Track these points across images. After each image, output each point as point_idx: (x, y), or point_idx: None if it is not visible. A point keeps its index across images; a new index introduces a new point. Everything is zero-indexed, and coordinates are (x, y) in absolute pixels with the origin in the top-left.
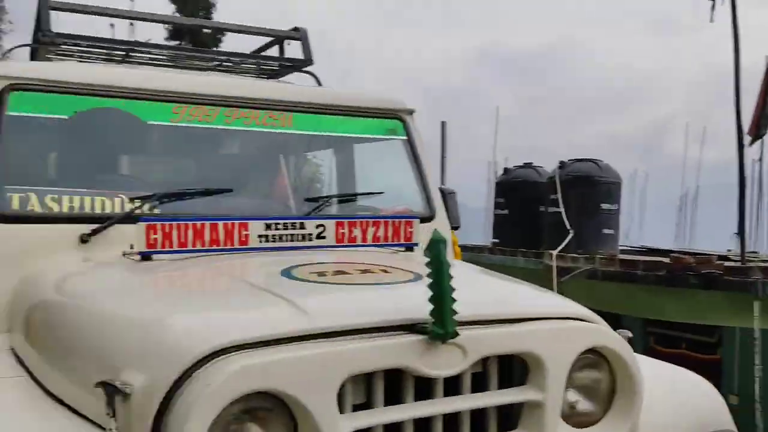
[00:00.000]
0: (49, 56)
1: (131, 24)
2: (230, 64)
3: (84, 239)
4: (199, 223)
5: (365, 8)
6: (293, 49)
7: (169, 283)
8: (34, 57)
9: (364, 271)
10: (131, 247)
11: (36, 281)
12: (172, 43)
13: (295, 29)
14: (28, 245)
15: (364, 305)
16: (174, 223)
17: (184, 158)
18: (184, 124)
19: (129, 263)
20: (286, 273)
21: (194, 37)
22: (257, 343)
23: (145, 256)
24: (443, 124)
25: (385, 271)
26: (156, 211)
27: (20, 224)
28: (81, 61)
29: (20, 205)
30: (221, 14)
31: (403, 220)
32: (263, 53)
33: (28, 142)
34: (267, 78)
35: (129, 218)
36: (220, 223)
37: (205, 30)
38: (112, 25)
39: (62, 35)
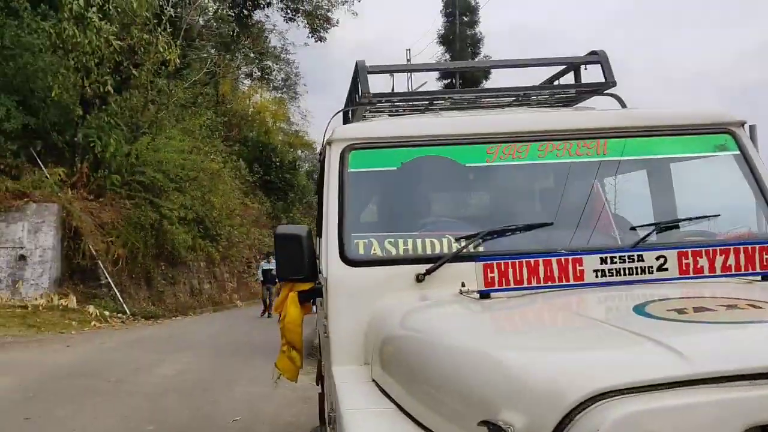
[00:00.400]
0: (364, 114)
1: (409, 75)
2: (527, 97)
3: (420, 278)
4: (533, 260)
5: (632, 17)
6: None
7: (522, 322)
8: (350, 115)
9: (730, 307)
10: (462, 285)
11: (386, 318)
12: (444, 82)
13: (593, 53)
14: (373, 285)
15: (747, 346)
16: (509, 261)
17: (502, 196)
18: (498, 163)
19: (469, 301)
20: (639, 310)
21: (463, 75)
22: (636, 388)
23: (484, 294)
24: (752, 128)
25: (755, 306)
26: (480, 249)
27: (366, 267)
28: (391, 115)
29: (364, 251)
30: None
31: (758, 245)
32: (555, 82)
33: (366, 194)
34: (562, 106)
35: (457, 257)
36: (554, 260)
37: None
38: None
39: (378, 95)
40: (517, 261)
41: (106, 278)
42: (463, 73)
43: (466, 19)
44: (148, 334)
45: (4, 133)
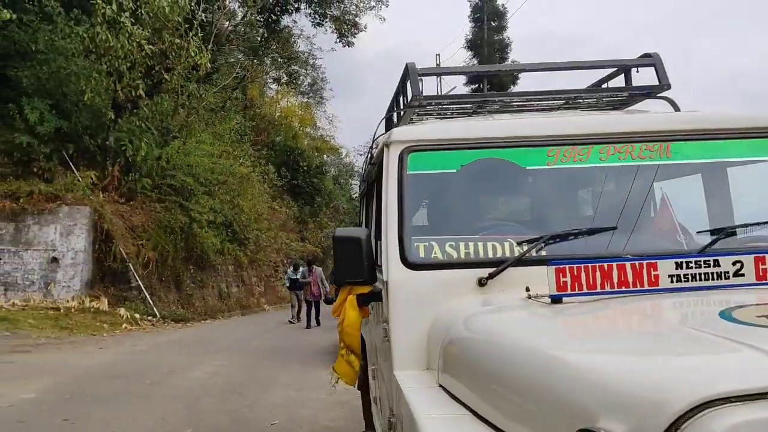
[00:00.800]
0: (411, 117)
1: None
2: (577, 100)
3: (482, 282)
4: (606, 264)
5: (661, 26)
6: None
7: (607, 327)
8: (394, 118)
9: None
10: (527, 290)
11: (450, 322)
12: (471, 87)
13: (646, 55)
14: (434, 289)
15: None
16: (582, 265)
17: (563, 200)
18: (559, 166)
19: (540, 306)
20: (726, 316)
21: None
22: (742, 396)
23: (555, 299)
24: None
25: None
26: (543, 253)
27: (427, 270)
28: (438, 118)
29: (425, 254)
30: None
31: None
32: (604, 85)
33: (426, 196)
34: (611, 109)
35: (520, 261)
36: (628, 264)
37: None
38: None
39: (429, 97)
40: (590, 265)
41: (137, 281)
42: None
43: (494, 24)
44: (178, 337)
45: (38, 136)
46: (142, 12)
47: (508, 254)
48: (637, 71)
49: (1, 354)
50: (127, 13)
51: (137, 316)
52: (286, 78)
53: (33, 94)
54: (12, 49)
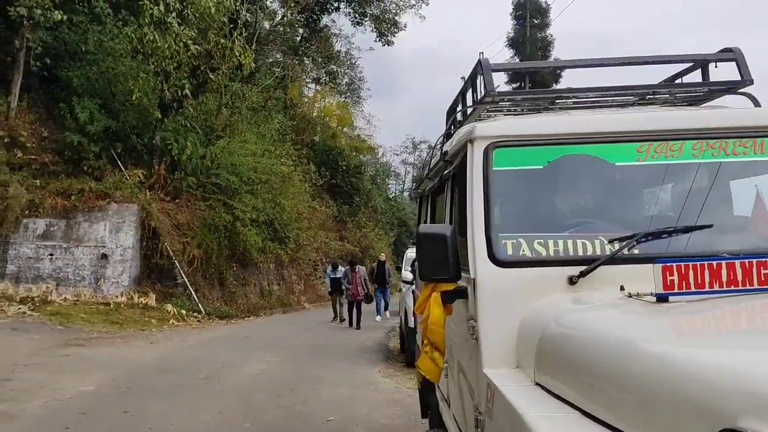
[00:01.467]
0: (480, 114)
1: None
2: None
3: (573, 281)
4: (715, 262)
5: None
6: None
7: (730, 326)
8: (464, 116)
9: None
10: (621, 288)
11: (544, 320)
12: (513, 85)
13: (727, 50)
14: (523, 287)
15: None
16: (690, 263)
17: (653, 197)
18: (651, 162)
19: (645, 304)
20: None
21: (533, 78)
22: None
23: (661, 298)
24: None
25: None
26: (635, 251)
27: (514, 268)
28: (507, 114)
29: (513, 251)
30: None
31: None
32: (678, 80)
33: (511, 193)
34: (687, 105)
35: (611, 260)
36: (737, 262)
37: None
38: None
39: (502, 93)
40: (698, 263)
41: (182, 278)
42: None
43: (536, 21)
44: (224, 333)
45: (87, 135)
46: (189, 12)
47: (599, 252)
48: (716, 66)
49: (57, 347)
50: (174, 14)
51: (183, 312)
52: (326, 77)
53: (83, 94)
54: (63, 50)
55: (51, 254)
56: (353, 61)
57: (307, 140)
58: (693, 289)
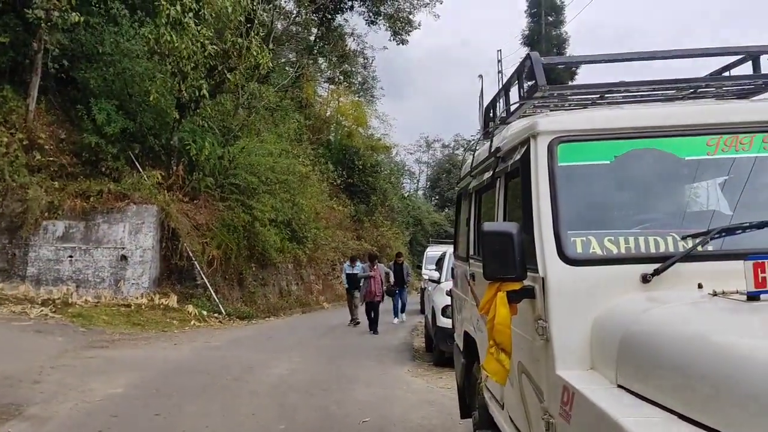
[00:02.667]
0: (525, 110)
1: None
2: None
3: (647, 279)
4: None
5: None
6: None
7: None
8: (507, 113)
9: None
10: (699, 286)
11: (622, 319)
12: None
13: None
14: (595, 286)
15: None
16: None
17: (726, 191)
18: (721, 156)
19: (736, 303)
20: None
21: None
22: None
23: (752, 296)
24: None
25: None
26: (709, 248)
27: (585, 266)
28: (554, 109)
29: (583, 249)
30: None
31: None
32: (727, 72)
33: (578, 189)
34: (735, 98)
35: (686, 257)
36: None
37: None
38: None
39: (554, 87)
40: None
41: (202, 278)
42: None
43: (551, 19)
44: (247, 334)
45: (105, 136)
46: (205, 12)
47: (672, 249)
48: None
49: (82, 349)
50: (191, 14)
51: (204, 313)
52: (341, 77)
53: (100, 96)
54: (79, 52)
55: (71, 256)
56: (367, 60)
57: (324, 140)
58: None
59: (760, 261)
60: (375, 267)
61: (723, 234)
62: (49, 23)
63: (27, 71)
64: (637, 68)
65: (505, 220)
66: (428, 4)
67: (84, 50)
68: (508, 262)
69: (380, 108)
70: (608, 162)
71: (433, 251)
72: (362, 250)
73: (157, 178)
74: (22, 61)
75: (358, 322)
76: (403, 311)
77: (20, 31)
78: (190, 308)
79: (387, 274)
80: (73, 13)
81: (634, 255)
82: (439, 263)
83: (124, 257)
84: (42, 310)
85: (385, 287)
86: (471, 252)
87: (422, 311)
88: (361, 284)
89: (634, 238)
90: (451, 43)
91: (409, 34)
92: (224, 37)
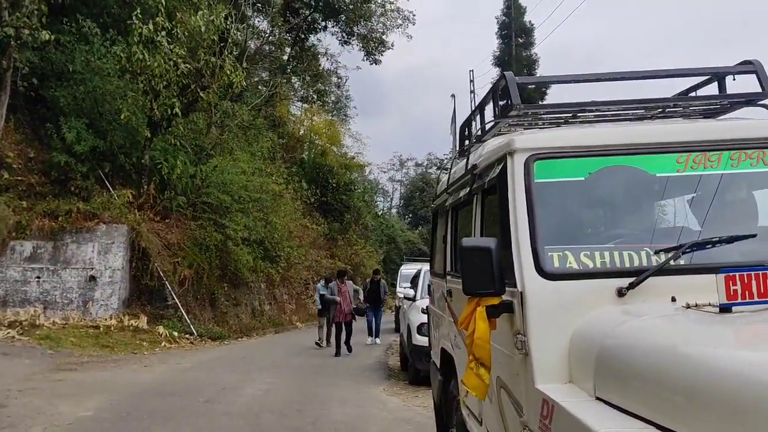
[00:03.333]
0: (500, 128)
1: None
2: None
3: (622, 293)
4: None
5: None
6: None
7: None
8: (482, 131)
9: None
10: (673, 300)
11: (600, 334)
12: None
13: (746, 62)
14: (572, 300)
15: None
16: (753, 273)
17: (694, 207)
18: (690, 173)
19: (708, 315)
20: None
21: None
22: None
23: (724, 308)
24: None
25: None
26: (681, 261)
27: (562, 281)
28: (528, 128)
29: (560, 263)
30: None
31: None
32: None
33: (555, 205)
34: (702, 117)
35: (659, 271)
36: None
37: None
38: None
39: (528, 106)
40: (761, 273)
41: (173, 299)
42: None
43: (521, 40)
44: (219, 354)
45: (75, 155)
46: (178, 31)
47: (645, 263)
48: (734, 79)
49: (50, 372)
50: (164, 33)
51: (175, 334)
52: (314, 96)
53: (70, 114)
54: (49, 70)
55: (38, 277)
56: (340, 80)
57: (297, 158)
58: (756, 299)
59: (731, 274)
60: (344, 284)
61: (694, 248)
62: (19, 41)
63: None
64: (606, 89)
65: (482, 236)
66: (401, 25)
67: (54, 68)
68: (486, 277)
69: (354, 127)
70: (583, 178)
71: (408, 269)
72: (336, 268)
73: (128, 197)
74: None
75: (329, 343)
76: (377, 335)
77: None
78: (161, 329)
79: (356, 291)
80: (44, 32)
81: (609, 269)
82: (414, 281)
83: (93, 278)
84: (8, 333)
85: (354, 305)
86: (448, 268)
87: (397, 329)
88: (321, 307)
89: (609, 253)
90: (423, 63)
91: (382, 54)
92: (197, 56)
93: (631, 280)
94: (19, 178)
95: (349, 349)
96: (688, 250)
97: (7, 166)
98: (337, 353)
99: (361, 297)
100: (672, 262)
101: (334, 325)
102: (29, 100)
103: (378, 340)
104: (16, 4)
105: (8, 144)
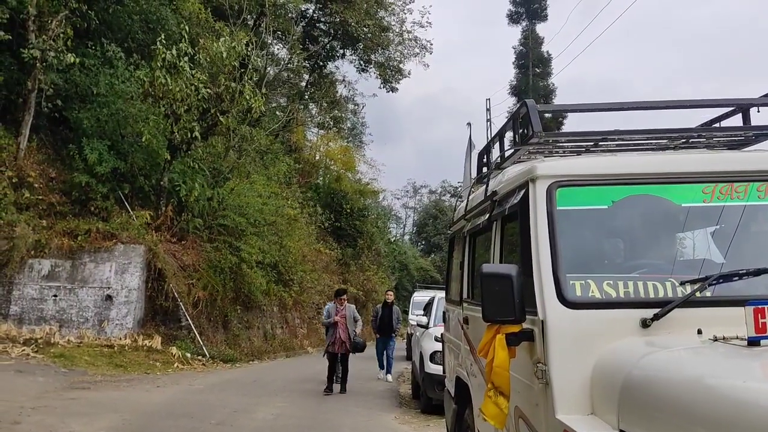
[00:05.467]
0: (521, 155)
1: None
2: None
3: (647, 324)
4: None
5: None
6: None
7: None
8: (501, 159)
9: None
10: (699, 332)
11: (623, 364)
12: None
13: None
14: (594, 329)
15: None
16: None
17: (721, 238)
18: (717, 204)
19: (737, 349)
20: None
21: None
22: None
23: (753, 342)
24: None
25: None
26: (707, 293)
27: (585, 310)
28: (548, 155)
29: (582, 292)
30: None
31: None
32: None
33: (577, 232)
34: (726, 149)
35: (684, 302)
36: None
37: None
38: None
39: (550, 134)
40: None
41: (187, 320)
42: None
43: (538, 70)
44: (231, 377)
45: (96, 176)
46: (200, 57)
47: (671, 294)
48: (758, 111)
49: (63, 390)
50: (186, 58)
51: (188, 355)
52: (331, 123)
53: (92, 135)
54: (73, 92)
55: (55, 295)
56: (357, 107)
57: (312, 183)
58: None
59: (760, 306)
60: (342, 306)
61: (720, 280)
62: (44, 63)
63: (20, 110)
64: (622, 120)
65: (501, 262)
66: (418, 54)
67: (78, 91)
68: (507, 304)
69: (369, 153)
70: (606, 207)
71: (420, 296)
72: (348, 294)
73: (146, 218)
74: (16, 100)
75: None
76: (389, 369)
77: (15, 70)
78: (174, 350)
79: (356, 320)
80: (69, 54)
81: (633, 299)
82: (427, 308)
83: (109, 297)
84: (24, 350)
85: (355, 335)
86: (465, 295)
87: (408, 357)
88: (326, 333)
89: (633, 283)
90: (438, 91)
91: (398, 82)
92: (218, 81)
93: (656, 311)
94: (40, 197)
95: (344, 388)
96: (714, 282)
97: (29, 186)
98: (328, 389)
99: (358, 330)
100: (698, 294)
101: (326, 355)
102: (52, 121)
103: (389, 377)
104: (43, 27)
105: (30, 164)
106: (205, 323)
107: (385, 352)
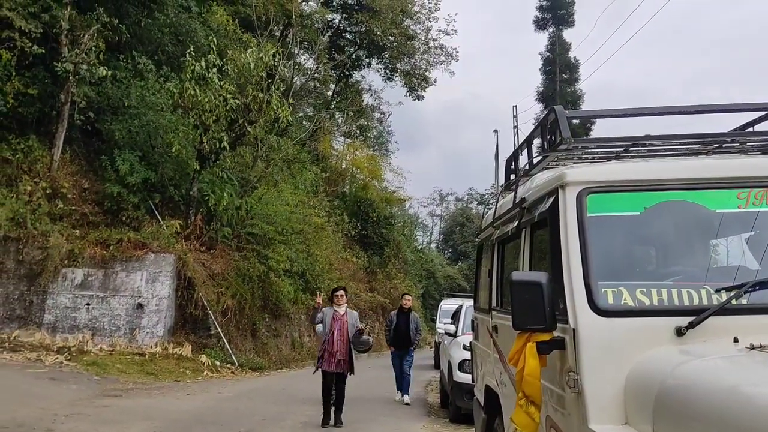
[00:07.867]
0: (550, 162)
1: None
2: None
3: (681, 332)
4: None
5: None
6: None
7: None
8: (530, 165)
9: None
10: (735, 340)
11: (659, 373)
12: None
13: None
14: (628, 338)
15: None
16: None
17: (757, 244)
18: (752, 209)
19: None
20: None
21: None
22: None
23: None
24: None
25: None
26: (743, 301)
27: (617, 318)
28: (578, 162)
29: (614, 300)
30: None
31: None
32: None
33: (608, 239)
34: (760, 153)
35: (720, 310)
36: None
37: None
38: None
39: (579, 140)
40: None
41: (216, 328)
42: None
43: (565, 77)
44: (260, 385)
45: (127, 186)
46: (228, 68)
47: (706, 302)
48: None
49: (95, 397)
50: (215, 69)
51: (217, 363)
52: (356, 131)
53: (124, 147)
54: (105, 104)
55: (88, 304)
56: (383, 115)
57: (339, 192)
58: None
59: None
60: (343, 312)
61: (757, 287)
62: (77, 76)
63: (53, 122)
64: (650, 125)
65: (531, 270)
66: (443, 62)
67: (110, 103)
68: (537, 312)
69: (395, 161)
70: (638, 213)
71: (448, 304)
72: (375, 302)
73: (176, 227)
74: (49, 113)
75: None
76: (407, 389)
77: (48, 84)
78: (204, 358)
79: (359, 331)
80: (101, 68)
81: (667, 307)
82: (455, 316)
83: (140, 305)
84: (57, 358)
85: (358, 341)
86: (494, 303)
87: (437, 366)
88: (323, 342)
89: (666, 290)
90: (464, 98)
91: (424, 90)
92: (246, 92)
93: (691, 319)
94: (73, 207)
95: (338, 421)
96: (750, 289)
97: (62, 196)
98: (324, 422)
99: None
100: (734, 302)
101: (320, 372)
102: (85, 133)
103: (407, 398)
104: (75, 41)
105: (64, 175)
106: (234, 331)
107: (401, 369)
